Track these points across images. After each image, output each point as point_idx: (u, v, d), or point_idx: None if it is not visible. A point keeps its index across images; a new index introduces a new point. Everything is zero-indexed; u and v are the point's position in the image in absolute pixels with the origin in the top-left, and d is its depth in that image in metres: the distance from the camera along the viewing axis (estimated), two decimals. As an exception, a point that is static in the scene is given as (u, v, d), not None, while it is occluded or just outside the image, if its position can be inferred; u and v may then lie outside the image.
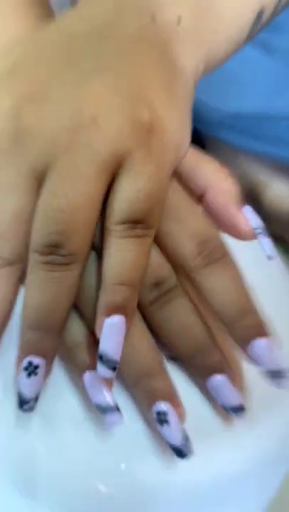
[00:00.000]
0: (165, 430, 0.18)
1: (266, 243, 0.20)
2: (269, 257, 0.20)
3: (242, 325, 0.19)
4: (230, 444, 0.21)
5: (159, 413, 0.18)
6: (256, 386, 0.23)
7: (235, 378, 0.19)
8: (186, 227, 0.19)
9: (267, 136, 0.40)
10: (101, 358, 0.18)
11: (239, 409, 0.19)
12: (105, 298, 0.18)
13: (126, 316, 0.18)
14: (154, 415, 0.18)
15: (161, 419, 0.18)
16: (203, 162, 0.21)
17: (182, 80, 0.20)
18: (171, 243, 0.19)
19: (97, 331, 0.18)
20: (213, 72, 0.24)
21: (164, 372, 0.19)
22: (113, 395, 0.19)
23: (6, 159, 0.18)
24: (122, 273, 0.18)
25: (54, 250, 0.17)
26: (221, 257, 0.19)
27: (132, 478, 0.20)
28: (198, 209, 0.20)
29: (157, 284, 0.19)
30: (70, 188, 0.17)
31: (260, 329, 0.19)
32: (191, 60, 0.21)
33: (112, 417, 0.19)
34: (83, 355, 0.19)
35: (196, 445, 0.19)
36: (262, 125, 0.39)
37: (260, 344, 0.19)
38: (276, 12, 0.26)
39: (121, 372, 0.19)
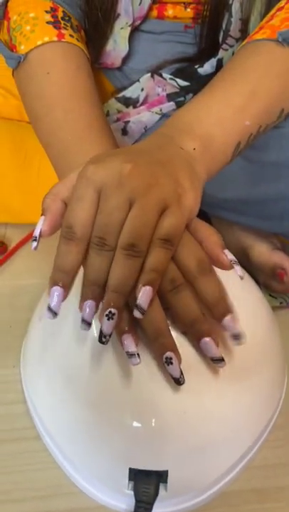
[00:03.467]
0: (170, 368, 0.31)
1: (238, 269, 0.33)
2: (240, 277, 0.33)
3: (218, 307, 0.32)
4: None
5: (166, 358, 0.31)
6: (252, 355, 0.35)
7: (217, 341, 0.32)
8: (191, 252, 0.32)
9: (248, 214, 0.52)
10: (136, 306, 0.30)
11: (220, 360, 0.32)
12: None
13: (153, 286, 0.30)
14: (164, 359, 0.31)
15: (168, 361, 0.31)
16: (200, 225, 0.34)
17: (197, 178, 0.35)
18: (182, 260, 0.32)
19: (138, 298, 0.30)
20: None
21: (170, 334, 0.32)
22: (136, 347, 0.31)
23: (112, 192, 0.31)
24: (160, 261, 0.31)
25: (131, 247, 0.30)
26: (210, 271, 0.32)
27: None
28: (198, 245, 0.33)
29: (173, 280, 0.32)
30: (144, 216, 0.30)
31: (228, 310, 0.32)
32: (200, 171, 0.36)
33: (134, 360, 0.31)
34: (123, 325, 0.32)
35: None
36: (245, 207, 0.52)
37: (227, 318, 0.31)
38: (249, 143, 0.40)
39: (144, 331, 0.31)
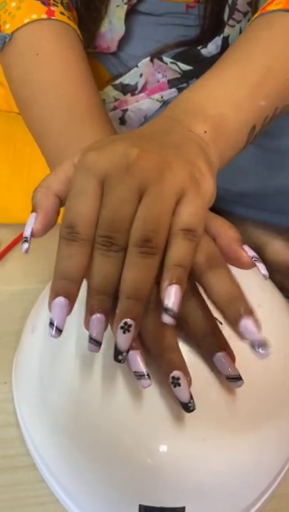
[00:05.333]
0: (177, 390, 0.26)
1: (261, 266, 0.28)
2: (264, 276, 0.28)
3: (232, 307, 0.26)
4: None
5: (173, 377, 0.26)
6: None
7: (233, 357, 0.27)
8: (201, 246, 0.27)
9: (264, 209, 0.48)
10: (166, 310, 0.25)
11: (237, 379, 0.27)
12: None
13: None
14: (170, 379, 0.26)
15: (175, 382, 0.26)
16: (214, 219, 0.30)
17: (212, 162, 0.30)
18: None
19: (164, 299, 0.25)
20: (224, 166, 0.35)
21: (178, 349, 0.27)
22: (145, 367, 0.26)
23: (118, 180, 0.26)
24: (184, 254, 0.26)
25: (146, 243, 0.25)
26: (221, 265, 0.27)
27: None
28: (209, 238, 0.29)
29: None
30: (159, 205, 0.26)
31: (246, 310, 0.25)
32: (212, 154, 0.31)
33: (144, 382, 0.26)
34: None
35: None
36: (260, 200, 0.48)
37: (246, 321, 0.25)
38: (264, 127, 0.36)
39: (147, 347, 0.27)
